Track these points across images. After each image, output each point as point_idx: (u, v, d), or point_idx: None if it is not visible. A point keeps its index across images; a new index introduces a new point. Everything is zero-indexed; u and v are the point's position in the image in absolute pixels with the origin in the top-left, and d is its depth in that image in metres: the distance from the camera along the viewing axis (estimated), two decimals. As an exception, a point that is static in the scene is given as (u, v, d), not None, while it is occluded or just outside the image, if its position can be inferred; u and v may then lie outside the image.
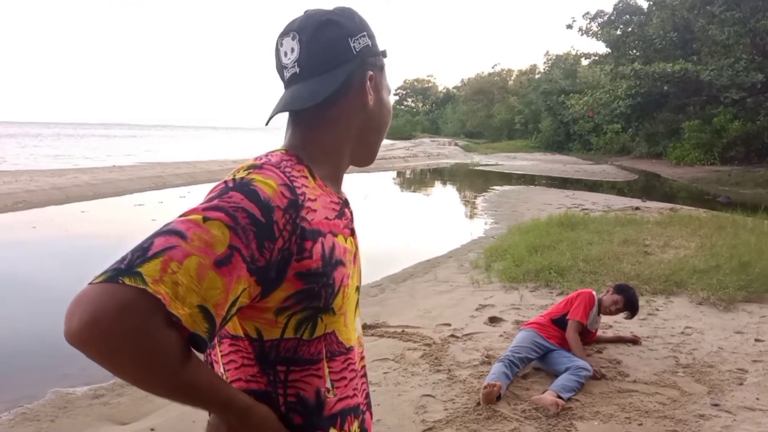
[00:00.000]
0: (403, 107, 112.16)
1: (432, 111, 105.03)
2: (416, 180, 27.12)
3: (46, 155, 30.27)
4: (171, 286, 0.81)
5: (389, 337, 4.95)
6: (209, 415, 0.99)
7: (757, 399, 3.71)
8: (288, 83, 1.09)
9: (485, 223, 12.52)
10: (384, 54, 1.16)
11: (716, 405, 3.63)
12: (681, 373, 4.14)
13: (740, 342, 4.74)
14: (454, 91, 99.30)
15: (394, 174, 27.62)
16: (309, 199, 0.99)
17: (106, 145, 48.90)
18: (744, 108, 27.58)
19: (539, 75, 61.55)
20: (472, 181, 24.84)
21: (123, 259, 0.82)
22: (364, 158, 1.19)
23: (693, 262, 6.98)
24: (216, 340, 1.03)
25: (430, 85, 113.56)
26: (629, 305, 4.48)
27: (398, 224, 12.64)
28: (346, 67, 1.06)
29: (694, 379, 4.02)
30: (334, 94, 1.05)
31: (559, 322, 4.28)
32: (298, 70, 1.07)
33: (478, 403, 3.60)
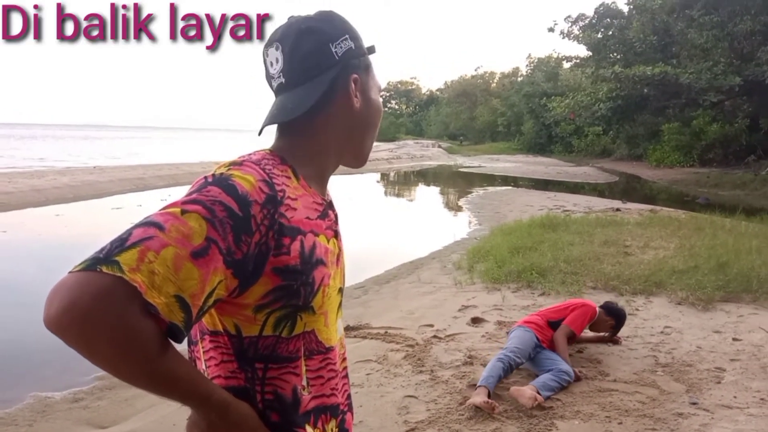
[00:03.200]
0: (386, 109, 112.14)
1: (416, 113, 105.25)
2: (400, 182, 27.17)
3: (25, 157, 29.73)
4: (148, 275, 0.82)
5: (372, 338, 4.95)
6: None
7: (735, 397, 3.76)
8: (276, 92, 1.11)
9: (468, 225, 12.59)
10: (371, 50, 1.16)
11: (694, 403, 3.68)
12: (660, 372, 4.19)
13: (718, 341, 4.81)
14: (438, 93, 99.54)
15: (377, 176, 27.63)
16: (289, 197, 1.00)
17: (87, 147, 48.30)
18: (722, 111, 27.97)
19: (521, 78, 61.88)
20: (455, 183, 24.94)
21: (102, 249, 0.84)
22: (355, 159, 1.20)
23: (672, 262, 7.07)
24: (198, 336, 1.05)
25: (413, 87, 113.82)
26: (619, 325, 4.66)
27: (382, 226, 12.66)
28: (329, 73, 1.07)
29: (673, 378, 4.08)
30: (319, 101, 1.06)
31: (555, 324, 4.25)
32: (283, 80, 1.09)
33: (461, 403, 3.61)
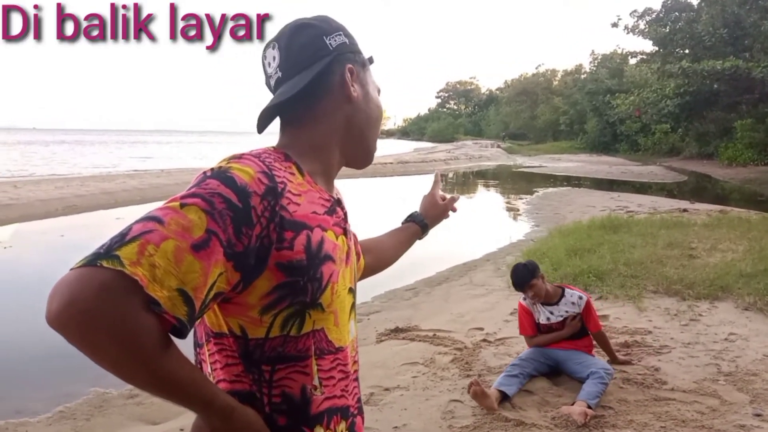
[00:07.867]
0: (445, 110, 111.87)
1: (475, 113, 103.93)
2: (457, 182, 26.94)
3: (94, 165, 30.86)
4: (149, 268, 0.82)
5: (420, 340, 4.91)
6: None
7: (804, 410, 3.53)
8: (274, 89, 1.13)
9: (526, 226, 12.34)
10: (370, 60, 1.19)
11: (758, 415, 3.46)
12: (722, 381, 3.97)
13: (788, 350, 4.52)
14: (497, 92, 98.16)
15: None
16: (290, 192, 0.99)
17: (157, 151, 49.94)
18: (800, 106, 26.49)
19: (585, 75, 60.34)
20: (513, 183, 24.53)
21: (102, 245, 0.85)
22: (358, 156, 1.20)
23: (740, 265, 6.72)
24: (203, 338, 1.04)
25: (472, 87, 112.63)
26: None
27: (436, 227, 12.54)
28: (323, 61, 1.09)
29: (736, 388, 3.86)
30: (316, 88, 1.09)
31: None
32: (280, 75, 1.11)
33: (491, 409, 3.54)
